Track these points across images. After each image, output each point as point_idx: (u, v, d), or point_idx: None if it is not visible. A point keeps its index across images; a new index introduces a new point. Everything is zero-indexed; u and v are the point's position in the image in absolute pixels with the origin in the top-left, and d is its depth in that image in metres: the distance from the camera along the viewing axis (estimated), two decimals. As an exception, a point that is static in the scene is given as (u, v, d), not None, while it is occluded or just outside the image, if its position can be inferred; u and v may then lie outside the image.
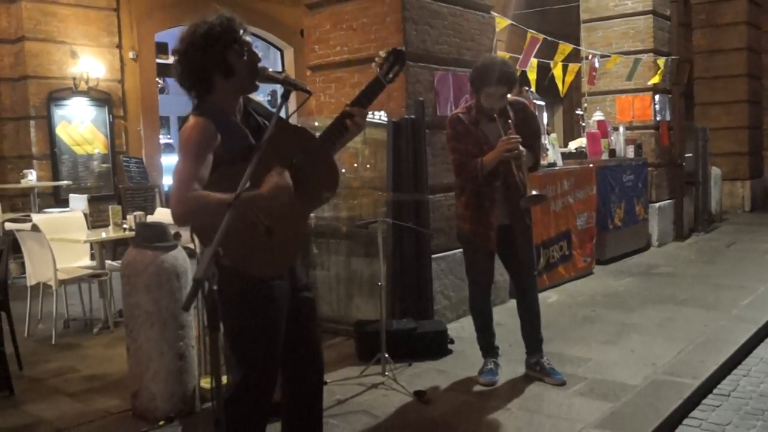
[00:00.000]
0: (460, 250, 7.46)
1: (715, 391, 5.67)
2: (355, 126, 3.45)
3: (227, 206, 2.78)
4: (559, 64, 10.72)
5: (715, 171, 15.36)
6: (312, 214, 7.28)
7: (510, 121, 5.31)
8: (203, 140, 3.23)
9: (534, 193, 5.23)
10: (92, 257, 8.34)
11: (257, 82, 3.39)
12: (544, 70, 10.38)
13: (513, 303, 7.63)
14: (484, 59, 5.64)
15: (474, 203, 5.53)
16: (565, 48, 10.56)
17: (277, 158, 3.16)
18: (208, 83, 3.34)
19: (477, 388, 5.57)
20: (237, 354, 3.43)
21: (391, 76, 3.55)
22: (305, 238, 3.56)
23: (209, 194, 3.13)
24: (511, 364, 5.94)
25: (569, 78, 11.40)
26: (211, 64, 3.29)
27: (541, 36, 9.61)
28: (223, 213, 2.91)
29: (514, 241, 5.56)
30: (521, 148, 5.19)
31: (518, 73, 8.56)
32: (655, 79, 12.10)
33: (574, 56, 11.82)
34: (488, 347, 5.82)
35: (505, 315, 7.27)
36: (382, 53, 3.57)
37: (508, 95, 5.46)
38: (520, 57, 9.71)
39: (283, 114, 3.34)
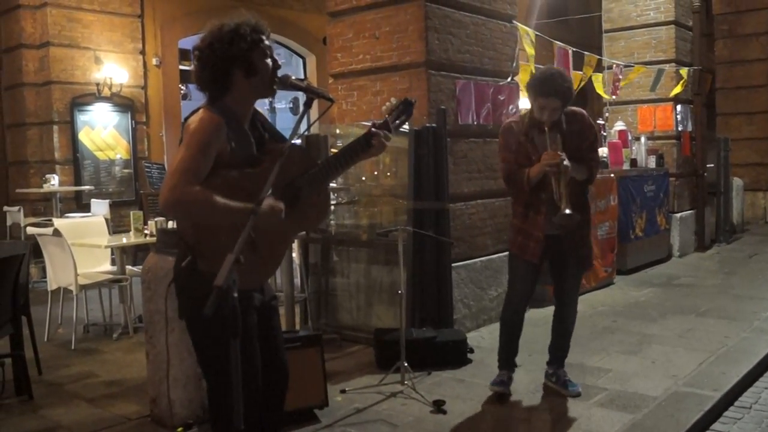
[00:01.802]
0: (480, 258, 7.52)
1: (736, 403, 5.62)
2: (381, 145, 3.43)
3: (249, 214, 2.79)
4: (579, 74, 10.70)
5: (737, 181, 15.27)
6: (333, 222, 7.31)
7: (558, 135, 5.16)
8: (213, 136, 3.21)
9: (567, 212, 5.03)
10: (113, 262, 8.37)
11: (277, 88, 3.39)
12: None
13: (533, 312, 7.63)
14: (543, 69, 5.44)
15: (521, 212, 5.41)
16: (591, 59, 10.55)
17: (279, 177, 3.14)
18: (227, 79, 3.31)
19: (496, 398, 5.53)
20: (210, 362, 3.42)
21: (397, 123, 3.54)
22: (282, 257, 3.54)
23: (210, 192, 3.12)
24: (531, 374, 5.91)
25: (598, 87, 11.42)
26: (234, 59, 3.27)
27: (570, 48, 9.60)
28: (220, 216, 3.09)
29: (562, 253, 5.42)
30: (566, 163, 5.03)
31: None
32: (677, 89, 12.05)
33: (596, 66, 11.79)
34: (507, 361, 5.67)
35: (525, 324, 7.23)
36: (393, 101, 3.56)
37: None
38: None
39: (305, 122, 3.33)
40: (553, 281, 5.70)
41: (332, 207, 7.37)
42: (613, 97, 11.94)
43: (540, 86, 5.13)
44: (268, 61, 3.33)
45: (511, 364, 5.69)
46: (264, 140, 3.46)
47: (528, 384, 5.76)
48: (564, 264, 5.51)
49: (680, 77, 12.09)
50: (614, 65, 11.62)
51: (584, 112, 5.49)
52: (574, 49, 9.95)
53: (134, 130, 13.68)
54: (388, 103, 3.56)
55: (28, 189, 12.39)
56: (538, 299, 7.13)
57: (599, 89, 11.65)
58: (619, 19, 12.61)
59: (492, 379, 5.65)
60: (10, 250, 6.15)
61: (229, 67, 3.28)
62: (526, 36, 8.58)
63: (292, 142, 3.21)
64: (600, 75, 11.60)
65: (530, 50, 8.63)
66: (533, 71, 8.61)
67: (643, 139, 11.91)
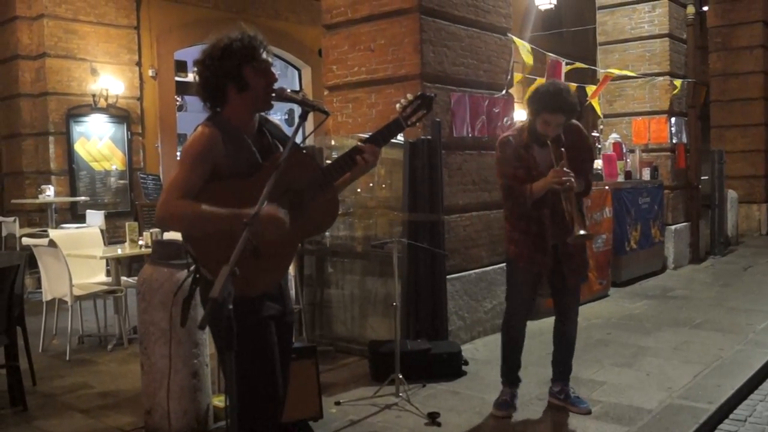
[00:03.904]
0: (475, 271, 7.51)
1: (731, 416, 5.62)
2: (365, 162, 3.44)
3: (243, 225, 2.80)
4: (574, 86, 10.72)
5: (731, 194, 15.31)
6: (327, 234, 7.31)
7: (563, 150, 5.09)
8: (205, 150, 3.28)
9: (581, 233, 5.01)
10: (108, 273, 8.36)
11: (273, 101, 3.41)
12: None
13: (528, 324, 7.64)
14: (548, 84, 5.37)
15: (522, 226, 5.32)
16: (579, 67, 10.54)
17: (280, 182, 3.16)
18: (222, 95, 3.38)
19: (491, 410, 5.51)
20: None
21: (414, 119, 3.51)
22: (289, 262, 3.57)
23: (197, 204, 3.19)
24: (525, 387, 5.89)
25: (595, 103, 11.40)
26: (226, 76, 3.33)
27: (563, 60, 9.62)
28: (211, 225, 3.15)
29: (561, 264, 5.35)
30: (573, 179, 4.98)
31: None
32: (668, 99, 12.08)
33: (591, 78, 11.81)
34: (511, 376, 5.60)
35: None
36: (409, 96, 3.52)
37: None
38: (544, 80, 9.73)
39: (300, 134, 3.35)
40: (553, 296, 5.62)
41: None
42: (590, 101, 11.87)
43: (548, 102, 5.05)
44: (262, 76, 3.35)
45: (515, 379, 5.61)
46: (272, 148, 3.48)
47: (523, 396, 5.73)
48: (562, 287, 5.46)
49: (674, 88, 12.11)
50: (604, 74, 11.58)
51: (580, 124, 5.45)
52: (567, 61, 9.96)
53: (130, 141, 13.72)
54: (402, 100, 3.52)
55: (23, 200, 12.39)
56: (534, 310, 7.13)
57: (596, 104, 11.67)
58: (613, 31, 12.64)
59: (491, 391, 5.63)
60: (6, 260, 6.13)
61: (222, 82, 3.35)
62: (523, 47, 8.60)
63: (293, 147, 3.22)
64: (594, 87, 11.63)
65: (528, 60, 8.65)
66: (527, 81, 8.68)
67: (637, 152, 11.94)
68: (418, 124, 3.58)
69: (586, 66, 10.80)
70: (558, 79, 9.37)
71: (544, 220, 5.26)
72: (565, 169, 5.00)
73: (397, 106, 3.53)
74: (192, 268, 3.40)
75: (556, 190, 5.04)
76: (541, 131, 5.13)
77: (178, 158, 3.35)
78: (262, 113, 3.54)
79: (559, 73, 9.62)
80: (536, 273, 5.38)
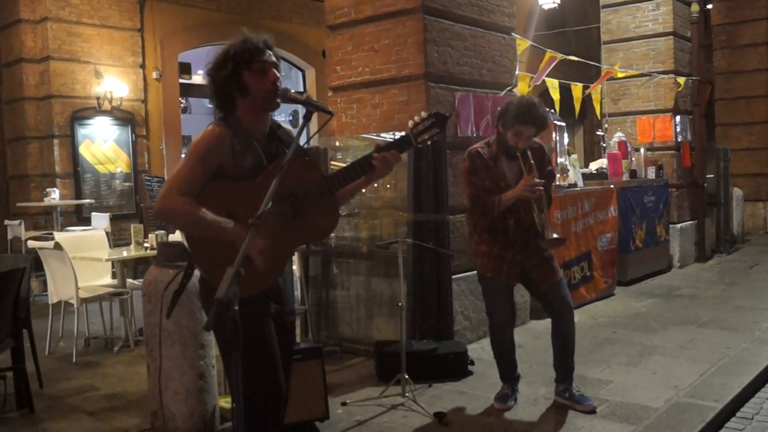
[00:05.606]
0: (481, 270, 7.47)
1: (738, 414, 5.60)
2: (381, 166, 3.45)
3: (248, 225, 2.80)
4: (579, 86, 10.71)
5: (737, 192, 15.26)
6: (332, 234, 7.30)
7: (532, 162, 5.25)
8: (212, 148, 3.32)
9: (555, 236, 5.13)
10: (113, 276, 8.37)
11: (278, 102, 3.41)
12: (565, 90, 10.39)
13: (533, 324, 7.66)
14: (519, 98, 5.56)
15: (487, 239, 5.47)
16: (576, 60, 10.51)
17: (283, 186, 3.16)
18: (230, 101, 3.42)
19: (497, 410, 5.53)
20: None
21: (426, 137, 3.51)
22: (284, 265, 3.57)
23: (196, 207, 3.23)
24: (532, 386, 5.91)
25: (596, 99, 11.38)
26: (227, 81, 3.37)
27: (560, 55, 9.59)
28: (202, 230, 3.24)
29: (530, 276, 5.48)
30: (542, 189, 5.18)
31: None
32: (672, 97, 12.06)
33: (596, 77, 11.79)
34: (507, 376, 5.71)
35: (526, 336, 7.25)
36: (423, 113, 3.53)
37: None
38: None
39: (304, 135, 3.35)
40: (541, 302, 5.74)
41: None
42: (590, 91, 11.80)
43: (522, 114, 5.23)
44: (261, 78, 3.37)
45: (512, 378, 5.71)
46: (280, 154, 3.50)
47: (529, 396, 5.75)
48: (542, 295, 5.57)
49: (679, 85, 12.09)
50: (606, 70, 11.53)
51: (544, 146, 5.63)
52: (568, 57, 9.93)
53: (134, 143, 13.73)
54: (416, 117, 3.53)
55: (28, 203, 12.42)
56: (540, 310, 7.12)
57: (596, 104, 11.65)
58: (617, 30, 12.63)
59: (495, 392, 5.67)
60: (12, 263, 6.15)
61: (226, 89, 3.40)
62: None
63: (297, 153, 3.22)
64: (599, 86, 11.59)
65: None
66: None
67: (642, 150, 11.92)
68: (429, 142, 3.57)
69: (583, 60, 10.74)
70: (542, 77, 9.48)
71: (509, 232, 5.41)
72: (536, 179, 5.19)
73: (410, 123, 3.53)
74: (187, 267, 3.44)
75: (527, 198, 5.20)
76: (512, 143, 5.31)
77: (184, 153, 3.37)
78: (275, 120, 3.56)
79: (546, 69, 9.53)
80: (506, 282, 5.52)
